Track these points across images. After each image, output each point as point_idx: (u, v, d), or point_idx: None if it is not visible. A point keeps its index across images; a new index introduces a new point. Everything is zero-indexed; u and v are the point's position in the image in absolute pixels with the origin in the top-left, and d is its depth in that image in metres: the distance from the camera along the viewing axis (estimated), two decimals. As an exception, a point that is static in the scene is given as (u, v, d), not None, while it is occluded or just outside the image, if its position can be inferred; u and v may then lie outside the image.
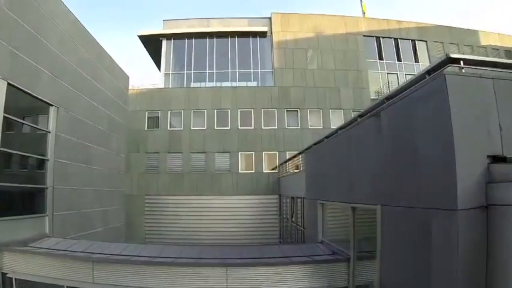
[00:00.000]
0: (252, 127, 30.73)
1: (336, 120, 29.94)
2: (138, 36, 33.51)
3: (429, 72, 7.30)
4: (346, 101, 31.63)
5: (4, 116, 11.87)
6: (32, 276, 10.70)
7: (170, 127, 31.01)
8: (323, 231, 13.55)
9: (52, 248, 11.86)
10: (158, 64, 35.96)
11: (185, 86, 32.61)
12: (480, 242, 5.63)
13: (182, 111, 30.96)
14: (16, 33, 12.68)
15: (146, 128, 31.03)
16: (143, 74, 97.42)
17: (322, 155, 14.27)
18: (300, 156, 20.45)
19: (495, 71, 6.71)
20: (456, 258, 5.61)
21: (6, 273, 11.08)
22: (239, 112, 30.95)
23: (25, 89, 13.09)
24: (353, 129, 10.63)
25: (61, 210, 15.19)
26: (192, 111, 30.96)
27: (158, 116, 31.15)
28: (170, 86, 32.65)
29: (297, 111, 31.27)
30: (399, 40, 34.34)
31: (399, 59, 33.99)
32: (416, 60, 34.06)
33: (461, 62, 6.58)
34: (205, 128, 30.73)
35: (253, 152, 30.41)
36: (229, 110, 30.93)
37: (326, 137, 14.82)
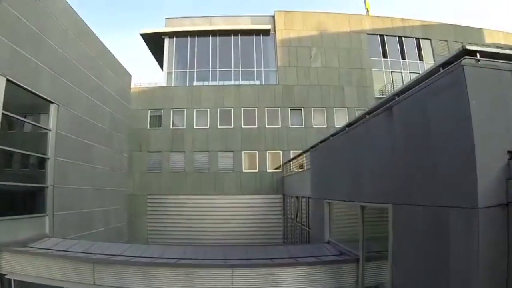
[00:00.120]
0: (256, 126, 30.35)
1: (341, 119, 29.56)
2: (141, 34, 33.20)
3: (443, 65, 7.04)
4: (350, 100, 31.26)
5: (3, 113, 11.61)
6: (32, 277, 10.39)
7: (172, 126, 30.65)
8: (330, 231, 13.24)
9: (52, 248, 11.57)
10: (160, 63, 35.70)
11: (187, 84, 32.27)
12: (500, 241, 5.40)
13: (185, 109, 30.62)
14: (17, 29, 12.45)
15: (148, 127, 30.65)
16: (145, 74, 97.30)
17: (329, 153, 13.94)
18: (305, 155, 20.18)
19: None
20: (476, 257, 5.36)
21: (5, 274, 10.80)
22: (242, 111, 30.57)
23: (25, 86, 12.83)
24: (362, 126, 10.31)
25: (62, 210, 14.91)
26: (194, 109, 30.60)
27: (161, 115, 30.79)
28: (172, 85, 32.32)
29: (301, 109, 30.89)
30: (403, 38, 33.89)
31: (403, 58, 33.56)
32: (421, 58, 33.61)
33: (478, 55, 6.31)
34: (208, 127, 30.38)
35: (257, 151, 30.04)
36: (232, 109, 30.57)
37: (332, 135, 14.55)
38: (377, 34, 33.75)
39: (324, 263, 10.02)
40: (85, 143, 17.58)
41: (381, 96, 30.29)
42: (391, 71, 33.07)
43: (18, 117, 12.91)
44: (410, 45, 33.92)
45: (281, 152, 29.97)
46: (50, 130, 14.64)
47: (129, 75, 25.40)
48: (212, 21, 33.99)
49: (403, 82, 29.86)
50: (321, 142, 16.06)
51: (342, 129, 13.15)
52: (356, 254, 10.27)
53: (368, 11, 39.31)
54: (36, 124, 14.53)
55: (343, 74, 31.82)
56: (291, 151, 28.89)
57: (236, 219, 28.84)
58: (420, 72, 27.35)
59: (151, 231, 29.14)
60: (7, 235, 11.46)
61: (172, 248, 12.18)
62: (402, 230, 7.63)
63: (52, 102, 14.68)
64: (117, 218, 21.62)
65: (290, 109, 30.87)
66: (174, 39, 33.29)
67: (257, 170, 29.90)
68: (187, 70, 32.69)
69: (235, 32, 33.25)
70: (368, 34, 33.41)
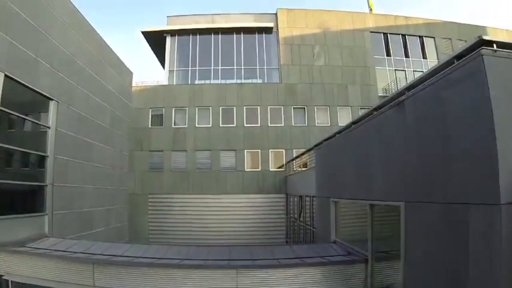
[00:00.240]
0: (258, 125, 30.04)
1: (344, 118, 29.33)
2: (142, 32, 32.93)
3: (458, 57, 6.72)
4: (354, 98, 31.01)
5: (1, 110, 11.33)
6: (30, 278, 10.06)
7: (174, 125, 30.32)
8: (336, 230, 12.90)
9: (51, 248, 11.24)
10: (162, 62, 35.46)
11: (189, 83, 31.97)
12: (523, 239, 5.07)
13: (187, 108, 30.30)
14: (15, 23, 12.13)
15: (149, 126, 30.34)
16: (146, 74, 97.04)
17: (335, 151, 13.61)
18: (309, 153, 19.89)
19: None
20: (499, 256, 5.06)
21: (2, 275, 10.45)
22: (244, 109, 30.28)
23: (23, 82, 12.50)
24: (370, 122, 9.97)
25: (61, 209, 14.59)
26: (196, 108, 30.28)
27: (162, 114, 30.49)
28: (174, 83, 32.03)
29: (304, 108, 30.61)
30: (407, 36, 33.68)
31: (407, 56, 33.33)
32: (424, 56, 33.40)
33: (494, 45, 5.98)
34: (210, 125, 30.05)
35: (259, 150, 29.71)
36: (234, 107, 30.26)
37: (338, 132, 14.25)
38: (380, 32, 33.55)
39: (332, 264, 9.68)
40: (85, 141, 17.26)
41: (384, 94, 30.11)
42: (395, 69, 32.88)
43: (16, 113, 12.56)
44: (413, 43, 33.72)
45: (284, 151, 29.69)
46: (49, 127, 14.32)
47: (131, 73, 25.09)
48: (214, 19, 33.76)
49: (406, 81, 29.68)
50: (325, 140, 15.77)
51: (348, 126, 12.85)
52: (364, 254, 9.94)
53: (371, 9, 39.10)
54: (35, 121, 14.16)
55: (346, 72, 31.56)
56: (294, 150, 28.57)
57: (239, 219, 28.58)
58: (424, 70, 27.17)
59: (152, 231, 28.85)
60: (4, 235, 11.14)
61: (175, 248, 11.80)
62: (415, 229, 7.29)
63: (52, 99, 14.37)
64: (117, 218, 21.29)
65: (293, 108, 30.58)
66: (176, 37, 33.02)
67: (259, 169, 29.59)
68: (189, 68, 32.41)
69: (237, 30, 32.99)
70: (371, 32, 33.18)
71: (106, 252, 10.79)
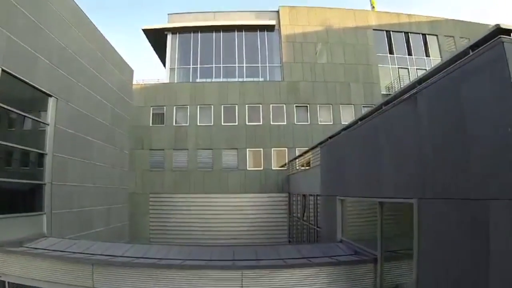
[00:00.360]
0: (261, 123, 29.73)
1: (347, 116, 29.07)
2: (143, 30, 32.63)
3: (473, 47, 6.42)
4: (357, 96, 30.72)
5: (-2, 106, 11.01)
6: (27, 279, 9.71)
7: (175, 123, 29.98)
8: (343, 229, 12.55)
9: (49, 248, 10.90)
10: (163, 60, 35.14)
11: (190, 81, 31.65)
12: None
13: (188, 106, 29.97)
14: (13, 17, 11.82)
15: (150, 124, 30.02)
16: (147, 74, 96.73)
17: (342, 148, 13.25)
18: (312, 151, 19.61)
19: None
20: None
21: (-1, 276, 10.13)
22: (246, 108, 29.97)
23: (22, 77, 12.16)
24: (379, 117, 9.62)
25: (60, 208, 14.25)
26: (198, 106, 29.96)
27: (163, 112, 30.17)
28: (175, 81, 31.73)
29: (307, 106, 30.28)
30: (409, 34, 33.37)
31: (409, 54, 33.06)
32: (427, 54, 33.09)
33: (512, 34, 5.67)
34: (211, 124, 29.75)
35: (262, 149, 29.42)
36: (236, 106, 29.94)
37: (344, 129, 13.97)
38: (383, 30, 33.28)
39: (341, 264, 9.33)
40: (85, 138, 16.93)
41: (387, 92, 29.87)
42: (398, 67, 32.54)
43: (14, 110, 12.21)
44: (416, 41, 33.42)
45: (286, 149, 29.40)
46: (48, 124, 13.98)
47: (131, 70, 24.74)
48: (215, 17, 33.49)
49: (409, 79, 29.41)
50: (330, 137, 15.49)
51: (355, 123, 12.56)
52: (373, 253, 9.58)
53: (373, 7, 38.87)
54: (34, 117, 13.76)
55: (349, 70, 31.27)
56: (296, 149, 28.31)
57: (240, 218, 28.27)
58: (427, 68, 26.88)
59: (153, 231, 28.55)
60: (1, 234, 10.81)
61: (176, 248, 11.44)
62: (429, 227, 6.94)
63: (51, 95, 14.03)
64: (118, 218, 20.94)
65: (296, 106, 30.27)
66: (177, 35, 32.76)
67: (261, 168, 29.30)
68: (190, 66, 32.12)
69: (239, 28, 32.71)
70: (374, 29, 32.86)
71: (106, 252, 10.46)
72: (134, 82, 27.53)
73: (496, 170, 5.15)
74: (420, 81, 8.38)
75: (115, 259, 9.70)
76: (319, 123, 29.91)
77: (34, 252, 10.39)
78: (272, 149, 29.50)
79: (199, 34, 32.73)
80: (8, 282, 10.03)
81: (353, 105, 30.53)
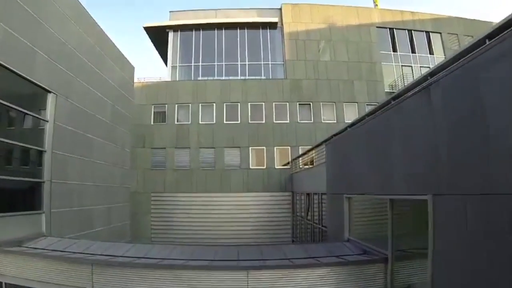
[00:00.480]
0: (263, 121, 29.43)
1: (350, 114, 28.88)
2: (144, 27, 32.34)
3: (490, 36, 6.14)
4: (360, 94, 30.45)
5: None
6: (24, 280, 9.38)
7: (177, 121, 29.68)
8: (350, 228, 12.20)
9: (48, 248, 10.58)
10: (164, 58, 34.83)
11: (192, 79, 31.32)
12: None
13: (190, 104, 29.67)
14: (10, 10, 11.50)
15: (152, 123, 29.75)
16: (148, 73, 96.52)
17: (349, 145, 12.90)
18: (317, 149, 19.33)
19: None
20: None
21: (-5, 277, 9.80)
22: (249, 106, 29.66)
23: (20, 72, 11.82)
24: (389, 111, 9.26)
25: (60, 207, 13.91)
26: (200, 104, 29.66)
27: (165, 110, 29.88)
28: (177, 79, 31.43)
29: (310, 104, 29.99)
30: (413, 31, 33.15)
31: (413, 51, 32.84)
32: (431, 52, 32.91)
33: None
34: (214, 122, 29.45)
35: (264, 147, 29.11)
36: (239, 104, 29.64)
37: (350, 126, 13.69)
38: (386, 28, 33.06)
39: (350, 264, 8.97)
40: (85, 136, 16.60)
41: (391, 90, 29.53)
42: (401, 65, 32.28)
43: (12, 105, 11.86)
44: (420, 39, 33.25)
45: (289, 148, 29.08)
46: (47, 121, 13.65)
47: (132, 67, 24.40)
48: (217, 14, 33.18)
49: (413, 77, 29.13)
50: (335, 134, 15.20)
51: (362, 118, 12.28)
52: (383, 252, 9.23)
53: (376, 5, 38.58)
54: (32, 114, 13.36)
55: (352, 68, 31.01)
56: (299, 147, 28.03)
57: (243, 218, 27.97)
58: (431, 66, 26.62)
59: (155, 230, 28.26)
60: (-2, 234, 10.49)
61: (179, 248, 11.07)
62: (445, 224, 6.55)
63: (50, 91, 13.70)
64: (119, 217, 20.61)
65: (299, 104, 29.99)
66: (179, 32, 32.46)
67: (264, 167, 29.00)
68: (192, 64, 31.78)
69: (241, 25, 32.39)
70: (377, 27, 32.63)
71: (106, 252, 10.12)
72: (135, 80, 27.22)
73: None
74: (432, 73, 8.09)
75: (115, 259, 9.36)
76: (323, 121, 29.62)
77: (32, 252, 10.06)
78: (275, 147, 29.20)
79: (201, 31, 32.44)
80: (5, 284, 9.70)
81: (356, 103, 30.24)
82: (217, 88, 30.13)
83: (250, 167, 29.00)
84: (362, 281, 8.79)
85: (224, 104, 29.68)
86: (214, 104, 29.69)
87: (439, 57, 30.81)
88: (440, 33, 33.13)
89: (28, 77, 12.28)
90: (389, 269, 8.85)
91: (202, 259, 9.41)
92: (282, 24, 32.15)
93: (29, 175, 13.18)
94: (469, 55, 6.19)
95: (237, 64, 31.63)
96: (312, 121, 29.68)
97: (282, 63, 31.59)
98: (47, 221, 13.12)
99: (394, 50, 32.67)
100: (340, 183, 13.54)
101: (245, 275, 8.25)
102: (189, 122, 29.53)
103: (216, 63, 31.73)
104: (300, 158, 24.70)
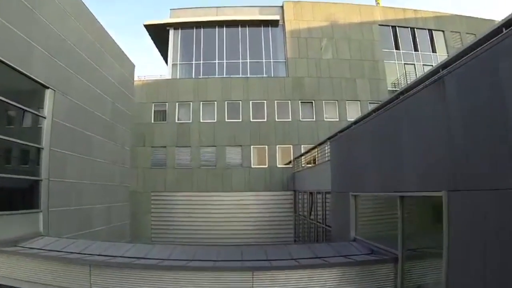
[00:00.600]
0: (265, 120, 29.11)
1: (353, 112, 28.51)
2: (144, 25, 32.04)
3: (507, 25, 5.81)
4: (363, 93, 30.15)
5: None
6: (19, 281, 9.03)
7: (178, 120, 29.32)
8: (356, 227, 11.87)
9: (45, 248, 10.22)
10: (165, 57, 34.48)
11: (193, 77, 30.97)
12: None
13: (191, 102, 29.33)
14: (6, 3, 11.15)
15: (152, 121, 29.41)
16: (149, 73, 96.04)
17: (354, 142, 12.56)
18: (320, 147, 19.06)
19: None
20: None
21: (-11, 278, 9.42)
22: (251, 104, 29.33)
23: (16, 67, 11.46)
24: (399, 105, 8.92)
25: (58, 206, 13.54)
26: (201, 102, 29.33)
27: (165, 109, 29.55)
28: (178, 77, 31.09)
29: (312, 102, 29.68)
30: (415, 29, 32.88)
31: (416, 49, 32.59)
32: (434, 50, 32.62)
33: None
34: (215, 120, 29.09)
35: (266, 146, 28.78)
36: (240, 102, 29.30)
37: (355, 122, 13.38)
38: (389, 26, 32.80)
39: (359, 264, 8.62)
40: (84, 133, 16.24)
41: (394, 89, 29.26)
42: (404, 63, 32.02)
43: (8, 101, 11.47)
44: (422, 37, 32.97)
45: (291, 146, 28.77)
46: (45, 117, 13.29)
47: (132, 65, 24.03)
48: (218, 12, 32.92)
49: (416, 75, 28.81)
50: (340, 131, 14.88)
51: (369, 114, 11.93)
52: (391, 252, 8.89)
53: (378, 3, 38.33)
54: (30, 110, 12.94)
55: (355, 66, 30.72)
56: (302, 146, 27.71)
57: (245, 217, 27.67)
58: (434, 64, 26.33)
59: (155, 230, 27.94)
60: (-6, 234, 10.14)
61: (180, 248, 10.74)
62: (462, 222, 6.20)
63: (47, 87, 13.33)
64: (119, 216, 20.24)
65: (301, 102, 29.68)
66: (179, 30, 32.16)
67: (266, 166, 28.69)
68: (193, 62, 31.45)
69: (243, 23, 32.11)
70: (380, 25, 32.39)
71: (105, 252, 9.78)
72: (135, 78, 26.91)
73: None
74: (445, 65, 7.75)
75: (114, 260, 9.02)
76: (325, 119, 29.29)
77: (28, 252, 9.71)
78: (277, 146, 28.88)
79: (202, 29, 32.11)
80: (1, 285, 9.34)
81: (359, 102, 29.97)
82: (218, 86, 29.81)
83: (252, 166, 28.68)
84: (372, 281, 8.46)
85: (226, 102, 29.34)
86: (216, 102, 29.35)
87: (442, 55, 30.44)
88: (443, 31, 32.86)
89: (25, 72, 11.93)
90: (400, 269, 8.51)
91: (204, 260, 9.08)
92: (283, 22, 31.87)
93: (26, 173, 12.81)
94: (486, 44, 5.89)
95: (239, 62, 31.32)
96: (314, 119, 29.38)
97: (284, 61, 31.25)
98: (44, 220, 12.75)
99: (397, 48, 32.40)
100: (346, 181, 13.22)
101: (250, 277, 7.90)
102: (190, 121, 29.19)
103: (217, 61, 31.37)
104: (303, 157, 24.40)
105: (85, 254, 9.59)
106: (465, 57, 6.44)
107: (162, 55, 36.96)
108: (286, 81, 30.10)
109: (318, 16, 31.93)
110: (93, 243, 10.92)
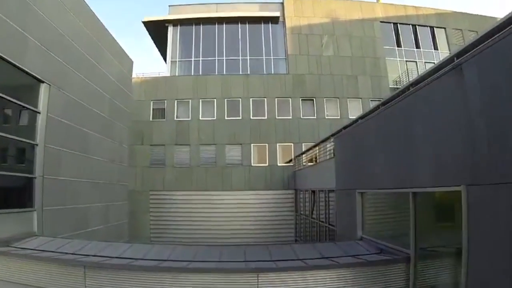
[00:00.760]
0: (265, 117, 28.68)
1: (354, 110, 28.15)
2: (143, 22, 31.55)
3: None
4: (364, 90, 29.74)
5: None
6: (11, 284, 8.57)
7: (177, 118, 28.86)
8: (363, 226, 11.42)
9: (38, 249, 9.74)
10: (163, 54, 34.08)
11: (192, 74, 30.50)
12: None
13: (190, 100, 28.88)
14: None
15: (151, 119, 28.94)
16: (147, 71, 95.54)
17: (361, 138, 12.11)
18: (322, 144, 18.70)
19: None
20: None
21: (-21, 280, 8.96)
22: (251, 101, 28.91)
23: (11, 60, 11.03)
24: (410, 97, 8.47)
25: (53, 205, 13.08)
26: (200, 100, 28.87)
27: (164, 106, 29.07)
28: (176, 75, 30.62)
29: (313, 100, 29.26)
30: (417, 26, 32.51)
31: (417, 47, 32.23)
32: (435, 47, 32.26)
33: None
34: (214, 118, 28.65)
35: (267, 144, 28.36)
36: (240, 99, 28.87)
37: (361, 117, 12.97)
38: (390, 22, 32.46)
39: (371, 264, 8.17)
40: (81, 130, 15.76)
41: (396, 86, 28.89)
42: (406, 61, 31.63)
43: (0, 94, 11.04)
44: (424, 34, 32.59)
45: (292, 144, 28.36)
46: (39, 112, 12.82)
47: (131, 61, 23.56)
48: (218, 8, 32.45)
49: (418, 72, 28.49)
50: (344, 128, 14.47)
51: (376, 108, 11.51)
52: (402, 251, 8.46)
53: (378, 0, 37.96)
54: (23, 104, 12.39)
55: (356, 63, 30.34)
56: (303, 144, 27.36)
57: (245, 217, 27.25)
58: (436, 62, 25.94)
59: (154, 229, 27.51)
60: (-15, 233, 9.68)
61: (180, 248, 10.25)
62: (483, 218, 5.77)
63: (42, 81, 12.86)
64: (117, 216, 19.76)
65: (301, 99, 29.25)
66: (178, 27, 31.67)
67: (267, 164, 28.25)
68: (192, 59, 30.94)
69: (243, 20, 31.65)
70: (381, 22, 32.02)
71: (102, 253, 9.31)
72: (134, 75, 26.48)
73: None
74: (459, 54, 7.31)
75: (111, 261, 8.56)
76: (326, 117, 28.88)
77: (20, 253, 9.23)
78: (278, 144, 28.46)
79: (201, 26, 31.65)
80: (-10, 287, 8.89)
81: (360, 99, 29.57)
82: (217, 84, 29.38)
83: (252, 164, 28.25)
84: (383, 282, 8.02)
85: (225, 99, 28.91)
86: (215, 99, 28.90)
87: (444, 53, 30.19)
88: (444, 28, 32.47)
89: (18, 65, 11.45)
90: (412, 269, 8.07)
91: (206, 261, 8.63)
92: (284, 18, 31.45)
93: (20, 170, 12.34)
94: (509, 27, 5.43)
95: (239, 59, 30.85)
96: (315, 117, 28.96)
97: (285, 58, 30.79)
98: (38, 220, 12.28)
99: (398, 45, 32.05)
100: (352, 178, 12.78)
101: (255, 278, 7.44)
102: (189, 118, 28.74)
103: (216, 58, 30.89)
104: (304, 155, 23.99)
105: (80, 254, 9.13)
106: (486, 42, 6.01)
107: (161, 53, 36.51)
108: (287, 78, 29.67)
109: (318, 12, 31.51)
110: (89, 243, 10.47)
